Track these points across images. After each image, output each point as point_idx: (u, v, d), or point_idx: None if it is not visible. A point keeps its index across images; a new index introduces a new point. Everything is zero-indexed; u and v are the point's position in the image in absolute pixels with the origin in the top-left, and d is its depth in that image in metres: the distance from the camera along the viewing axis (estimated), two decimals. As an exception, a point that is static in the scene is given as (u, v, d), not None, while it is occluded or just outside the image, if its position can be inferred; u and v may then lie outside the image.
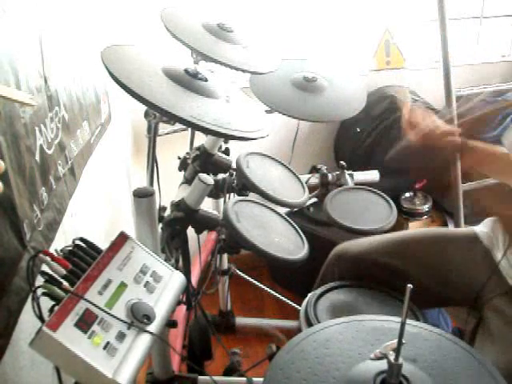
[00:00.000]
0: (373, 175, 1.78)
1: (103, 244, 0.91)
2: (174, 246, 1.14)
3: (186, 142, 1.71)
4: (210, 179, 1.15)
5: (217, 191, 1.47)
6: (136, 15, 1.88)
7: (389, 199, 1.49)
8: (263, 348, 1.32)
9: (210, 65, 1.30)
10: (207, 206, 1.21)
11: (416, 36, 2.37)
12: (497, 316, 1.16)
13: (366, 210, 1.45)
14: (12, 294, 0.83)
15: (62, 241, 1.03)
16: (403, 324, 0.65)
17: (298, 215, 1.89)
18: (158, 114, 1.56)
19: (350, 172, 1.70)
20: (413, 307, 1.14)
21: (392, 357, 0.66)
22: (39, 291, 0.77)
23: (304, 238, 1.26)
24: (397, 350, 0.66)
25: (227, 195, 1.45)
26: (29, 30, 0.96)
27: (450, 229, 1.44)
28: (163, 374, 1.26)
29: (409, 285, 0.65)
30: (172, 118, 0.94)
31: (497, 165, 1.17)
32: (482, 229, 1.33)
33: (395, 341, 0.66)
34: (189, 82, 1.04)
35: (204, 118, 0.93)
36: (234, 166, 1.41)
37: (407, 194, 2.36)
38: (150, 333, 0.81)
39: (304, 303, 1.17)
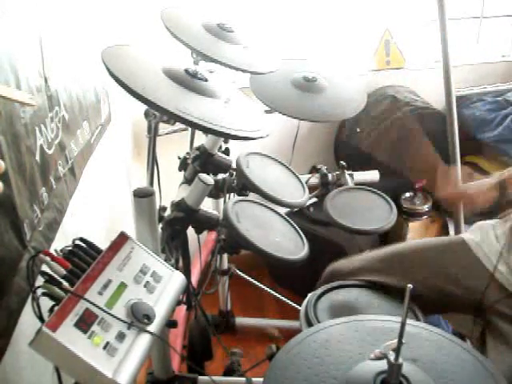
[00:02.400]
0: (373, 175, 1.78)
1: (103, 244, 0.91)
2: (174, 246, 1.14)
3: (186, 142, 1.71)
4: (210, 179, 1.15)
5: (217, 191, 1.47)
6: (136, 15, 1.88)
7: (389, 199, 1.49)
8: (263, 348, 1.32)
9: (210, 65, 1.30)
10: (207, 205, 1.21)
11: (416, 36, 2.37)
12: (504, 320, 1.15)
13: (366, 210, 1.45)
14: (12, 294, 0.83)
15: (62, 241, 1.03)
16: (403, 324, 0.65)
17: (298, 215, 1.89)
18: (158, 114, 1.56)
19: (350, 172, 1.70)
20: (413, 307, 1.14)
21: (392, 357, 0.66)
22: (39, 291, 0.77)
23: (304, 237, 1.26)
24: (397, 350, 0.66)
25: (227, 195, 1.45)
26: (29, 30, 0.96)
27: (439, 238, 1.42)
28: (163, 374, 1.26)
29: (409, 285, 0.65)
30: (174, 119, 0.94)
31: None
32: (470, 236, 1.32)
33: (395, 341, 0.66)
34: (189, 81, 1.04)
35: (204, 118, 0.93)
36: (234, 165, 1.41)
37: (407, 194, 2.36)
38: (150, 333, 0.81)
39: (304, 303, 1.17)
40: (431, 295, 1.21)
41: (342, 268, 1.34)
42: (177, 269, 1.00)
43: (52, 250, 0.85)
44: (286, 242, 1.21)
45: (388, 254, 1.33)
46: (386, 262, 1.30)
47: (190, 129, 1.70)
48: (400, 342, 0.66)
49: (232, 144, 1.61)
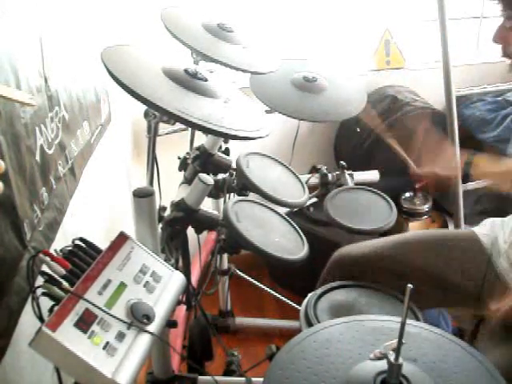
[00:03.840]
0: (373, 175, 1.79)
1: (103, 244, 0.91)
2: (173, 246, 1.14)
3: (186, 142, 1.71)
4: (210, 179, 1.14)
5: (217, 191, 1.47)
6: (136, 15, 1.88)
7: (389, 199, 1.49)
8: (263, 348, 1.32)
9: (210, 65, 1.30)
10: (207, 205, 1.21)
11: (416, 36, 2.37)
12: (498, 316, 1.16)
13: (366, 210, 1.45)
14: (12, 294, 0.83)
15: (62, 241, 1.03)
16: (403, 324, 0.65)
17: (298, 215, 1.89)
18: (158, 114, 1.56)
19: (350, 172, 1.70)
20: (413, 307, 1.14)
21: (392, 357, 0.66)
22: (39, 291, 0.77)
23: (304, 238, 1.26)
24: (397, 350, 0.66)
25: (227, 195, 1.45)
26: (29, 29, 0.96)
27: (450, 230, 1.43)
28: (163, 374, 1.26)
29: (409, 285, 0.65)
30: (174, 119, 0.94)
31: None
32: (482, 230, 1.33)
33: (395, 341, 0.66)
34: (189, 81, 1.04)
35: (204, 118, 0.93)
36: (234, 165, 1.41)
37: (407, 194, 2.36)
38: (150, 333, 0.81)
39: (304, 303, 1.17)
40: (432, 288, 1.21)
41: (349, 253, 1.34)
42: (177, 269, 1.00)
43: (52, 250, 0.85)
44: (286, 242, 1.21)
45: (397, 241, 1.34)
46: (394, 249, 1.31)
47: (189, 129, 1.70)
48: (400, 342, 0.66)
49: (232, 144, 1.61)
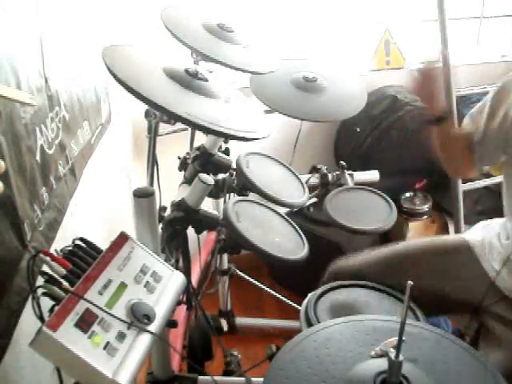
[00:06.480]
0: (373, 175, 1.79)
1: (103, 244, 0.91)
2: (174, 246, 1.14)
3: (186, 142, 1.71)
4: (210, 179, 1.15)
5: (217, 191, 1.47)
6: (136, 15, 1.88)
7: (389, 199, 1.49)
8: (263, 348, 1.32)
9: (210, 65, 1.30)
10: (207, 206, 1.21)
11: (416, 36, 2.37)
12: (498, 321, 1.16)
13: (366, 210, 1.45)
14: (13, 294, 0.83)
15: (62, 241, 1.03)
16: (403, 321, 0.65)
17: (298, 215, 1.89)
18: (158, 114, 1.56)
19: (350, 172, 1.70)
20: (413, 307, 1.14)
21: (392, 354, 0.66)
22: (39, 291, 0.77)
23: (304, 238, 1.26)
24: (397, 348, 0.66)
25: (227, 195, 1.45)
26: (29, 29, 0.96)
27: (441, 238, 1.41)
28: (163, 373, 1.26)
29: (409, 282, 0.65)
30: (174, 118, 0.94)
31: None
32: (473, 236, 1.32)
33: (395, 338, 0.67)
34: (189, 82, 1.04)
35: (204, 118, 0.93)
36: (234, 165, 1.41)
37: (407, 194, 2.36)
38: (151, 333, 0.81)
39: (304, 303, 1.17)
40: (430, 296, 1.21)
41: (344, 268, 1.34)
42: (177, 269, 1.00)
43: (52, 250, 0.85)
44: (286, 242, 1.21)
45: (388, 254, 1.34)
46: (387, 263, 1.30)
47: (190, 129, 1.70)
48: (400, 339, 0.66)
49: (232, 144, 1.61)
